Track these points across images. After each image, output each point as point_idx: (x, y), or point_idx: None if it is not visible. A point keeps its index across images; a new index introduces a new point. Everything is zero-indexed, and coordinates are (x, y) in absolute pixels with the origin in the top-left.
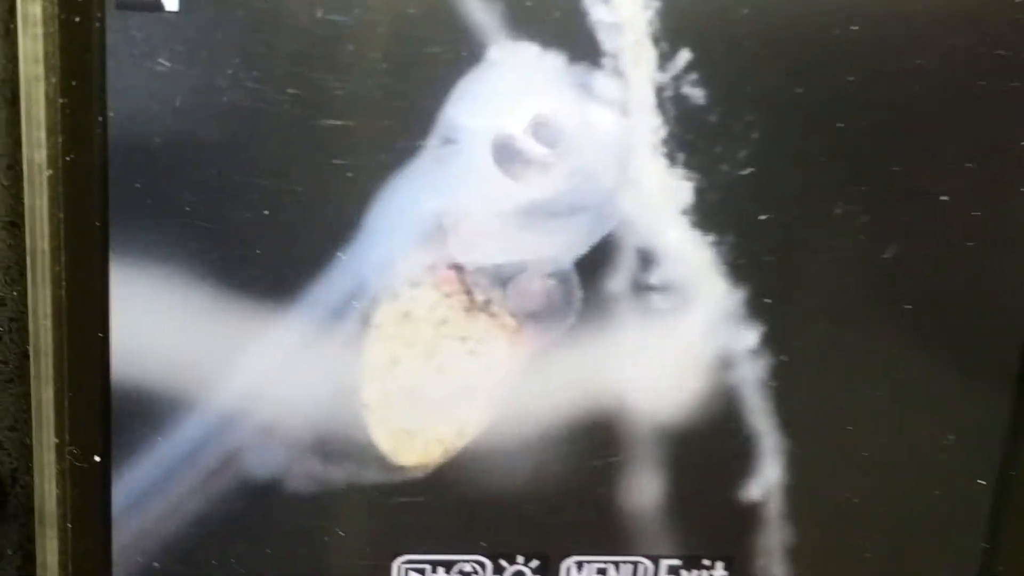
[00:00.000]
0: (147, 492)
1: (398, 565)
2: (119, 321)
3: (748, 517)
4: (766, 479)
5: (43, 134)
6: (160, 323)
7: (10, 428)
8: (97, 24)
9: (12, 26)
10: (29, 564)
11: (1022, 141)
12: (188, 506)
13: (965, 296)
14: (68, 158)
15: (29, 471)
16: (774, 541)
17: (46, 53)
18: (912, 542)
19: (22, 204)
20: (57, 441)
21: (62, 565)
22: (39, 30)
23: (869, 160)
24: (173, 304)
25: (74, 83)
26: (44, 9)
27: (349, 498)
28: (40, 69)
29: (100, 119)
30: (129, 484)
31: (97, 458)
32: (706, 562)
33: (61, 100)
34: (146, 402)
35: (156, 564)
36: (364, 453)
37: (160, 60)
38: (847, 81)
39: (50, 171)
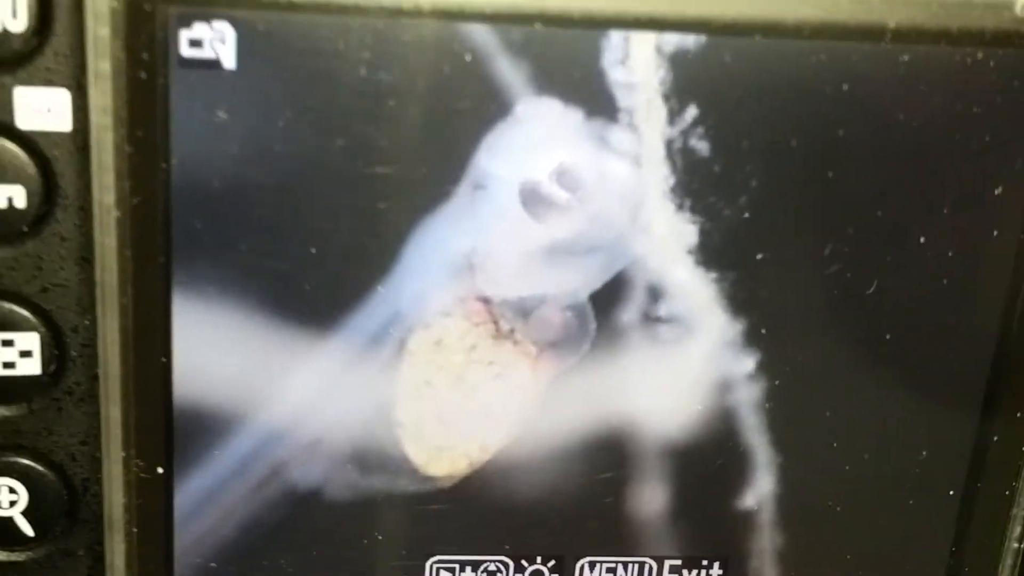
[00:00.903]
0: (205, 500)
1: (430, 565)
2: (181, 347)
3: (743, 522)
4: (760, 489)
5: (111, 179)
6: (217, 349)
7: (81, 443)
8: (161, 80)
9: (83, 81)
10: (99, 564)
11: (994, 189)
12: (241, 512)
13: (938, 328)
14: (134, 201)
15: (99, 481)
16: (766, 544)
17: (114, 106)
18: (888, 545)
19: (92, 242)
20: (123, 455)
21: (128, 566)
22: (108, 85)
23: (855, 205)
24: (229, 332)
25: (139, 133)
26: (113, 66)
27: (385, 505)
28: (109, 120)
29: (164, 166)
30: (189, 493)
31: (160, 470)
32: (705, 562)
33: (128, 148)
34: (204, 419)
35: (213, 564)
36: (398, 465)
37: (219, 112)
38: (837, 135)
39: (118, 213)
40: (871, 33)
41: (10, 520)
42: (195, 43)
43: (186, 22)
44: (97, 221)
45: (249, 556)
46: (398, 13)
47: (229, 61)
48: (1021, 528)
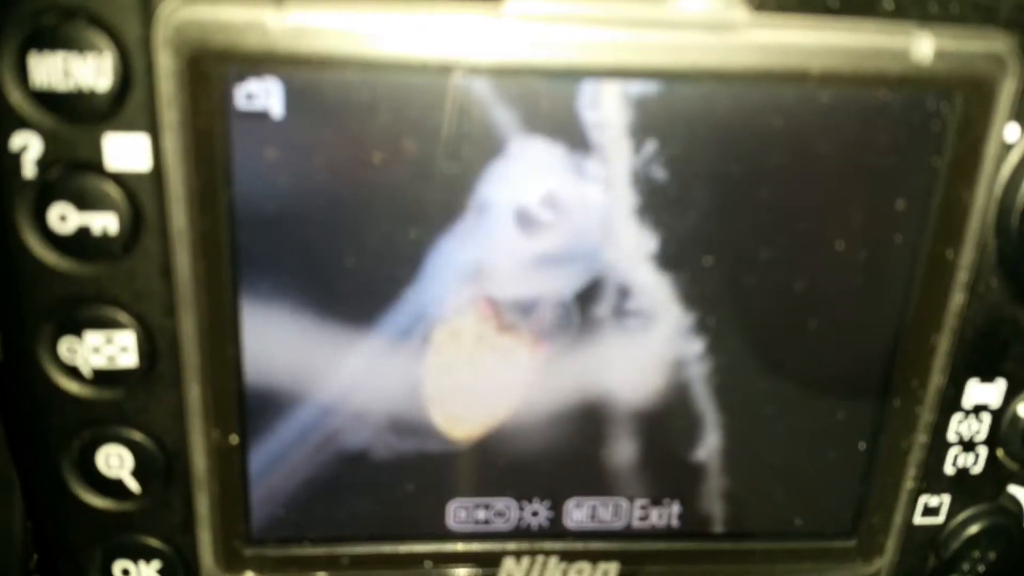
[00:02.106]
0: (273, 462)
1: (451, 507)
2: (249, 341)
3: (696, 470)
4: (708, 444)
5: (182, 208)
6: (279, 341)
7: (173, 417)
8: (221, 127)
9: (158, 128)
10: (190, 514)
11: (896, 203)
12: (302, 471)
13: (851, 317)
14: (202, 226)
15: (187, 448)
16: (714, 487)
17: (183, 148)
18: (811, 487)
19: (172, 259)
20: (203, 427)
21: (211, 515)
22: (177, 131)
23: (784, 219)
24: (288, 328)
25: (204, 170)
26: (180, 116)
27: (416, 462)
28: (179, 160)
29: (226, 197)
30: (260, 457)
31: (234, 439)
32: (666, 501)
33: (195, 183)
34: (270, 398)
35: (280, 513)
36: (427, 430)
37: (270, 153)
38: (770, 162)
39: (189, 235)
40: (797, 77)
41: (120, 479)
42: (249, 97)
43: (241, 79)
44: (174, 242)
45: (309, 506)
46: (411, 69)
47: (277, 111)
48: (915, 472)
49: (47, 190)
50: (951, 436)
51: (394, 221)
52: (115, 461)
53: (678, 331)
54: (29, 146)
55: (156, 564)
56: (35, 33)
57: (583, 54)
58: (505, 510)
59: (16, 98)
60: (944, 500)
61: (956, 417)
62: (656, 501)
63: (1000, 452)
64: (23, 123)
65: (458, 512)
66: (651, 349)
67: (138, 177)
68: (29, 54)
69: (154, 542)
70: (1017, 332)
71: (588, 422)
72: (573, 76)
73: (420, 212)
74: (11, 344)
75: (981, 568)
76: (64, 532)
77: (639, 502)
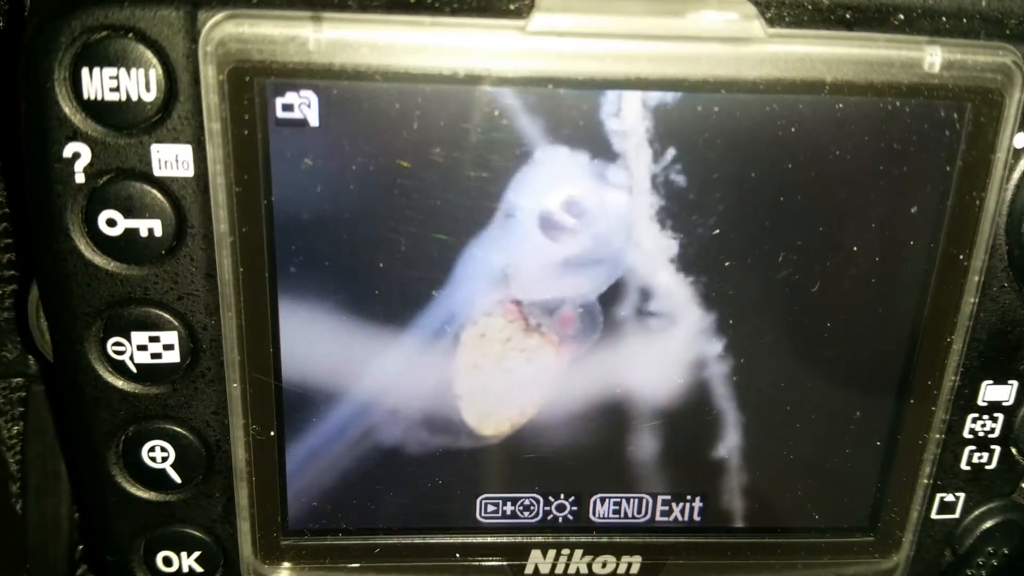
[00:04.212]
0: (310, 456)
1: (480, 501)
2: (287, 340)
3: (717, 467)
4: (729, 442)
5: (224, 213)
6: (316, 341)
7: (213, 413)
8: (261, 136)
9: (202, 138)
10: (230, 505)
11: (909, 208)
12: (338, 465)
13: (867, 318)
14: (243, 229)
15: (227, 442)
16: (734, 483)
17: (225, 156)
18: (829, 483)
19: (215, 261)
20: (243, 422)
21: (251, 506)
22: (219, 140)
23: (801, 223)
24: (324, 328)
25: (245, 177)
26: (222, 126)
27: (447, 457)
28: (221, 167)
29: (266, 202)
30: (298, 451)
31: (272, 433)
32: (688, 497)
33: (236, 189)
34: (308, 395)
35: (316, 504)
36: (457, 427)
37: (307, 160)
38: (786, 168)
39: (231, 238)
40: (812, 87)
41: (163, 471)
42: (287, 107)
43: (280, 91)
44: (216, 245)
45: (345, 498)
46: (440, 79)
47: (314, 120)
48: (931, 469)
49: (96, 196)
50: (966, 434)
51: (425, 226)
52: (159, 454)
53: (698, 331)
54: (80, 154)
55: (197, 554)
56: (87, 49)
57: (605, 66)
58: (532, 504)
59: (68, 110)
60: (959, 496)
61: (971, 416)
62: (678, 496)
63: (1014, 450)
64: (75, 133)
65: (486, 506)
66: (672, 349)
67: (182, 184)
68: (81, 69)
69: (195, 532)
70: None
71: (612, 420)
72: (596, 87)
73: (449, 217)
74: (62, 344)
75: (995, 562)
76: (109, 522)
77: (662, 497)
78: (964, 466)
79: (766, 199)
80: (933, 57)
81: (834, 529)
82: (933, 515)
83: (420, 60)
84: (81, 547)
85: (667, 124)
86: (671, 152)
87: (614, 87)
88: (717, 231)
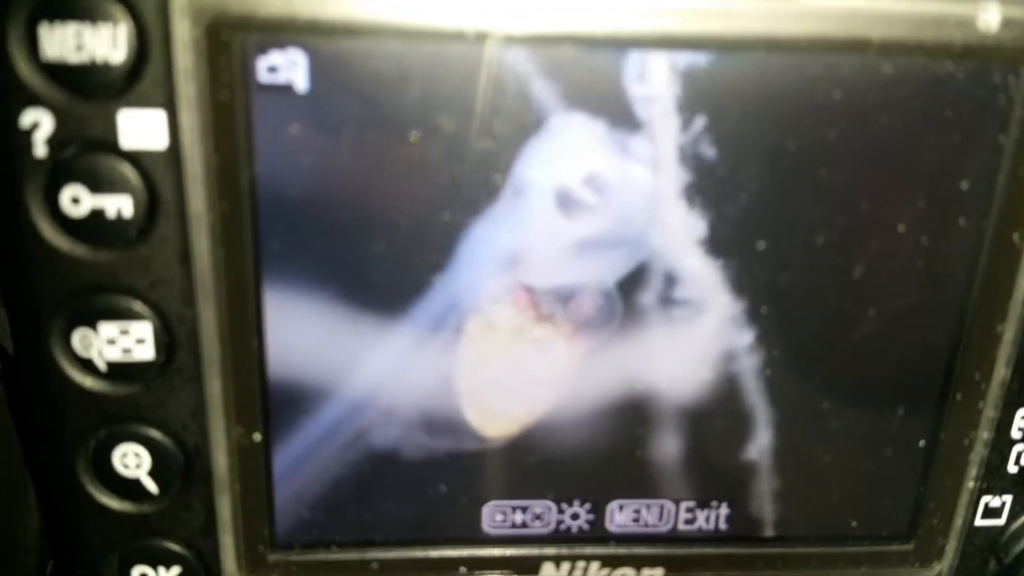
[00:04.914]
0: (299, 461)
1: (487, 509)
2: (273, 332)
3: (746, 470)
4: (760, 443)
5: (200, 188)
6: (305, 332)
7: (192, 414)
8: (242, 101)
9: (177, 104)
10: (212, 516)
11: (959, 183)
12: (330, 471)
13: (912, 304)
14: (223, 207)
15: (208, 447)
16: (765, 488)
17: (201, 124)
18: (867, 487)
19: (190, 243)
20: (224, 424)
21: (233, 518)
22: (195, 105)
23: (843, 200)
24: (315, 318)
25: (224, 147)
26: (198, 89)
27: (449, 461)
28: (196, 136)
29: (247, 176)
30: (286, 456)
31: (257, 436)
32: (714, 503)
33: (214, 161)
34: (296, 393)
35: (307, 515)
36: (459, 428)
37: (294, 128)
38: (828, 138)
39: (209, 217)
40: (857, 46)
41: (138, 479)
42: (272, 69)
43: (263, 50)
44: (192, 225)
45: (337, 508)
46: (443, 38)
47: (302, 85)
48: (976, 471)
49: (59, 170)
50: (1015, 433)
51: (425, 203)
52: (132, 460)
53: (728, 321)
54: (40, 123)
55: (176, 570)
56: (45, 2)
57: (629, 22)
58: (543, 513)
59: (25, 72)
60: (1006, 500)
61: (1020, 413)
62: (703, 503)
63: None
64: (34, 99)
65: (494, 515)
66: (699, 340)
67: (154, 156)
68: (39, 25)
69: (173, 546)
70: None
71: (631, 419)
72: (618, 46)
73: (453, 193)
74: (22, 336)
75: None
76: (80, 536)
77: (685, 504)
78: (1012, 468)
79: (805, 173)
80: (989, 14)
81: (872, 537)
82: (977, 521)
83: (421, 13)
84: (52, 562)
85: (696, 89)
86: (701, 121)
87: (638, 46)
88: (750, 210)
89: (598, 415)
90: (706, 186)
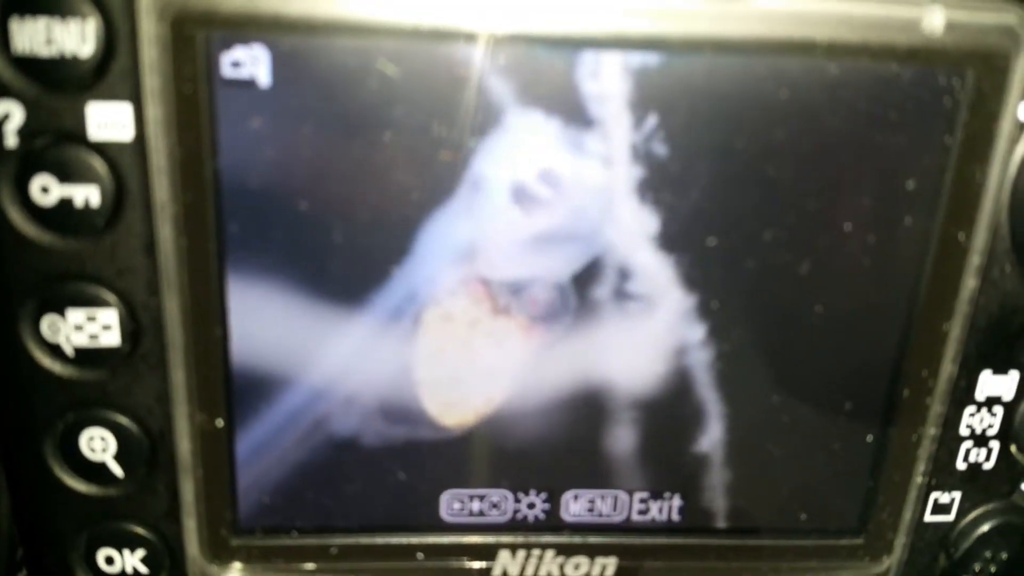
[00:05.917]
0: (261, 448)
1: (445, 497)
2: (236, 320)
3: (698, 462)
4: (711, 435)
5: (165, 179)
6: (266, 322)
7: (157, 400)
8: (205, 94)
9: (143, 97)
10: (175, 500)
11: (906, 182)
12: (291, 457)
13: (859, 301)
14: (186, 198)
15: (172, 432)
16: (716, 480)
17: (166, 117)
18: (816, 480)
19: (155, 232)
20: (188, 410)
21: (197, 502)
22: (159, 99)
23: (791, 198)
24: (275, 306)
25: (188, 139)
26: (163, 83)
27: (408, 450)
28: (161, 128)
29: (211, 168)
30: (248, 442)
31: (220, 423)
32: (667, 494)
33: (178, 153)
34: (259, 381)
35: (268, 500)
36: (418, 417)
37: (257, 121)
38: (775, 137)
39: (172, 208)
40: (804, 48)
41: (103, 464)
42: (235, 64)
43: (226, 45)
44: (156, 215)
45: (299, 493)
46: (403, 35)
47: (264, 79)
48: (925, 466)
49: (29, 161)
50: (963, 430)
51: (384, 196)
52: (98, 444)
53: (680, 315)
54: (11, 115)
55: (140, 552)
56: None
57: (583, 22)
58: (500, 501)
59: None
60: (955, 497)
61: (968, 410)
62: (656, 494)
63: (1013, 447)
64: (5, 91)
65: (452, 503)
66: (652, 334)
67: (121, 147)
68: (10, 19)
69: (138, 529)
70: None
71: (586, 410)
72: (573, 45)
73: (412, 187)
74: None
75: (993, 568)
76: (47, 518)
77: (639, 495)
78: (960, 464)
79: (753, 171)
80: (934, 17)
81: (821, 530)
82: (927, 517)
83: (380, 11)
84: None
85: (648, 88)
86: (652, 119)
87: (591, 46)
88: (701, 206)
89: (554, 406)
90: (658, 183)
